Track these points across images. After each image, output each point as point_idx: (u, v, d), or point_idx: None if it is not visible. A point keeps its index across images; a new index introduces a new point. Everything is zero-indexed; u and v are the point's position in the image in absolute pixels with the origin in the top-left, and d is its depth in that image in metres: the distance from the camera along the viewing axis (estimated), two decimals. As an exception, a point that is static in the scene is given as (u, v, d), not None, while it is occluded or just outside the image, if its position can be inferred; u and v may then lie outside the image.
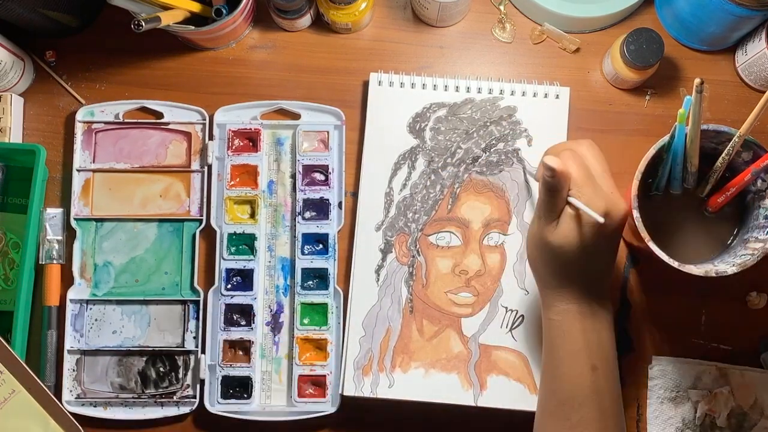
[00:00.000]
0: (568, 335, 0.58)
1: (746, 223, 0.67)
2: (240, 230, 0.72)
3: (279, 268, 0.73)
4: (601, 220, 0.54)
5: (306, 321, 0.71)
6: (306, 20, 0.75)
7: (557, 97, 0.73)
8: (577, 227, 0.56)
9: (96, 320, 0.72)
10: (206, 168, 0.74)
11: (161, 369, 0.71)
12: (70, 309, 0.72)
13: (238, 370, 0.70)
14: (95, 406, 0.71)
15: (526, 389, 0.69)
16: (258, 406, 0.70)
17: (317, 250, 0.72)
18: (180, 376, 0.71)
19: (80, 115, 0.74)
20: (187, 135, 0.75)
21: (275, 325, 0.72)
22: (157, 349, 0.71)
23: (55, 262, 0.72)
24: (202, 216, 0.73)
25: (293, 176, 0.74)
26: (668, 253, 0.62)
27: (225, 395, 0.70)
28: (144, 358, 0.72)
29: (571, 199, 0.56)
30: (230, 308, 0.71)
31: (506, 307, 0.70)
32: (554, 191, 0.56)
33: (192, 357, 0.71)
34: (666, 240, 0.67)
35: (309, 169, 0.73)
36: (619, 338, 0.71)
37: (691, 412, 0.70)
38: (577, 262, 0.57)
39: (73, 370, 0.71)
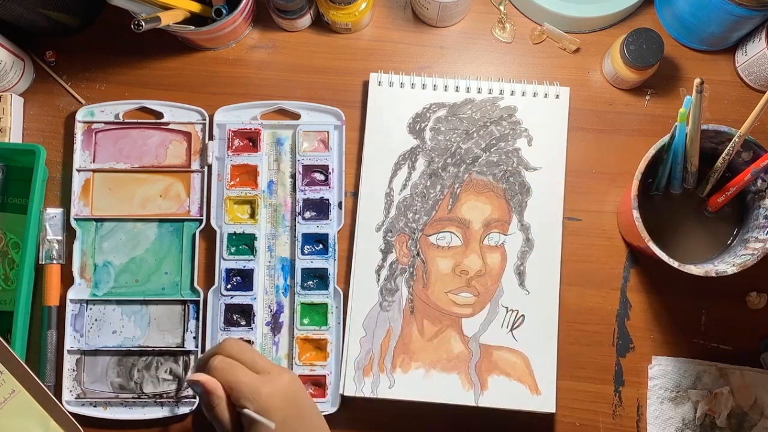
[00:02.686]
0: None
1: (746, 223, 0.67)
2: (240, 230, 0.72)
3: (279, 268, 0.73)
4: (272, 424, 0.53)
5: (306, 321, 0.71)
6: (306, 20, 0.75)
7: (557, 97, 0.73)
8: (254, 422, 0.54)
9: (96, 320, 0.72)
10: (206, 168, 0.74)
11: (161, 369, 0.71)
12: (70, 309, 0.72)
13: (238, 370, 0.70)
14: (95, 406, 0.71)
15: (527, 389, 0.69)
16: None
17: (317, 250, 0.72)
18: (180, 376, 0.71)
19: (80, 115, 0.74)
20: (187, 135, 0.75)
21: (275, 325, 0.72)
22: (157, 349, 0.71)
23: (55, 262, 0.72)
24: (202, 216, 0.73)
25: (293, 176, 0.74)
26: (668, 253, 0.62)
27: (225, 395, 0.70)
28: (144, 358, 0.72)
29: (245, 412, 0.54)
30: (230, 308, 0.71)
31: (507, 307, 0.70)
32: (214, 406, 0.55)
33: (192, 357, 0.71)
34: (666, 240, 0.67)
35: (309, 169, 0.73)
36: (619, 338, 0.72)
37: (691, 412, 0.70)
38: None
39: (73, 370, 0.71)
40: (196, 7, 0.70)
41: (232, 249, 0.72)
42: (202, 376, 0.55)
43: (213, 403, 0.55)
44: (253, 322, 0.71)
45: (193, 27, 0.70)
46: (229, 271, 0.72)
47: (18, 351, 0.67)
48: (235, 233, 0.72)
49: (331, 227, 0.72)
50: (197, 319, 0.71)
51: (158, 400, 0.70)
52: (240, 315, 0.71)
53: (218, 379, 0.56)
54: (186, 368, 0.71)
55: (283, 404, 0.55)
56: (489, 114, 0.73)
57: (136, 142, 0.74)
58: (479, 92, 0.74)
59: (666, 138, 0.64)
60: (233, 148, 0.73)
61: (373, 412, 0.71)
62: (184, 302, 0.72)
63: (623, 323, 0.72)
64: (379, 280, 0.71)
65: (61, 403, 0.68)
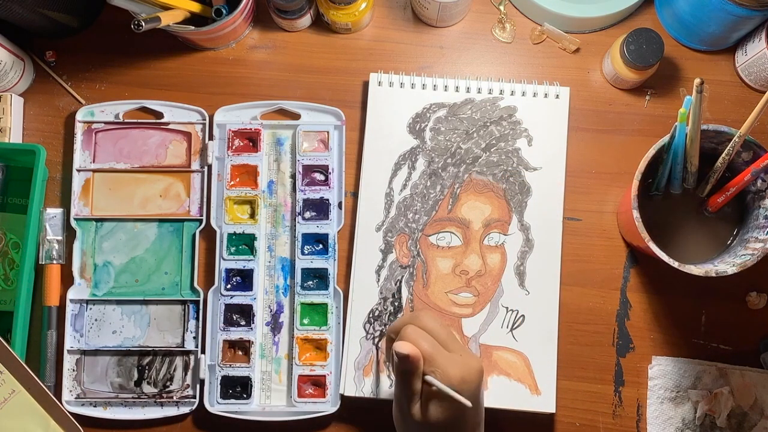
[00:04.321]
0: None
1: (746, 223, 0.67)
2: (240, 230, 0.72)
3: (279, 268, 0.73)
4: (468, 404, 0.54)
5: (306, 321, 0.71)
6: (306, 20, 0.75)
7: (557, 97, 0.73)
8: (441, 403, 0.56)
9: (96, 320, 0.72)
10: (206, 168, 0.74)
11: (161, 369, 0.71)
12: (70, 309, 0.72)
13: (237, 370, 0.70)
14: (95, 406, 0.71)
15: (527, 389, 0.69)
16: (258, 406, 0.70)
17: (317, 250, 0.72)
18: (180, 376, 0.71)
19: (80, 115, 0.74)
20: (187, 135, 0.75)
21: (275, 325, 0.72)
22: (157, 349, 0.71)
23: (55, 262, 0.72)
24: (202, 216, 0.73)
25: (293, 176, 0.74)
26: (668, 253, 0.62)
27: (225, 395, 0.70)
28: (144, 358, 0.72)
29: (430, 379, 0.56)
30: (230, 308, 0.71)
31: (507, 308, 0.70)
32: (410, 375, 0.56)
33: (192, 357, 0.71)
34: (666, 240, 0.67)
35: (309, 169, 0.73)
36: (619, 338, 0.72)
37: (691, 412, 0.70)
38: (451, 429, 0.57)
39: (73, 370, 0.71)
40: (196, 7, 0.70)
41: (232, 249, 0.72)
42: (410, 349, 0.55)
43: (412, 371, 0.56)
44: (253, 322, 0.71)
45: (193, 27, 0.70)
46: (229, 271, 0.72)
47: (18, 351, 0.67)
48: (235, 233, 0.72)
49: (331, 227, 0.72)
50: (197, 319, 0.71)
51: (158, 400, 0.70)
52: (240, 315, 0.71)
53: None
54: (186, 368, 0.71)
55: (467, 391, 0.56)
56: (489, 114, 0.73)
57: (136, 142, 0.74)
58: (479, 92, 0.74)
59: (666, 138, 0.64)
60: (233, 148, 0.73)
61: (373, 412, 0.71)
62: (184, 302, 0.72)
63: (623, 323, 0.72)
64: (379, 280, 0.71)
65: (61, 403, 0.68)
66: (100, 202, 0.74)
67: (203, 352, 0.71)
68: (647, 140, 0.71)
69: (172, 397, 0.70)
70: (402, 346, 0.56)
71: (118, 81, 0.76)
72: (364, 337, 0.70)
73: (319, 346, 0.71)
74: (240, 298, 0.71)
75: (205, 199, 0.73)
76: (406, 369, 0.56)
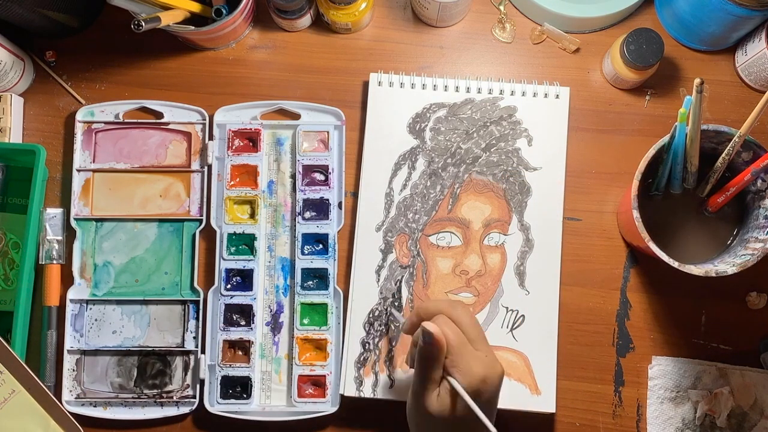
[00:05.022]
0: None
1: (746, 223, 0.67)
2: (240, 230, 0.72)
3: (279, 268, 0.73)
4: (487, 422, 0.54)
5: (306, 321, 0.71)
6: (306, 20, 0.75)
7: (557, 97, 0.73)
8: (458, 399, 0.55)
9: (96, 320, 0.72)
10: (206, 168, 0.74)
11: (161, 369, 0.71)
12: (70, 309, 0.72)
13: (237, 370, 0.70)
14: (95, 406, 0.71)
15: (527, 389, 0.69)
16: (258, 406, 0.70)
17: (317, 250, 0.72)
18: (180, 376, 0.71)
19: (80, 115, 0.74)
20: (187, 135, 0.75)
21: (275, 325, 0.72)
22: (157, 349, 0.71)
23: (55, 262, 0.72)
24: (202, 216, 0.73)
25: (293, 176, 0.74)
26: (668, 253, 0.62)
27: (225, 395, 0.70)
28: (144, 358, 0.72)
29: (452, 381, 0.55)
30: (230, 308, 0.71)
31: (507, 308, 0.70)
32: (432, 360, 0.55)
33: (192, 357, 0.71)
34: (666, 240, 0.67)
35: (309, 169, 0.73)
36: (619, 338, 0.72)
37: (691, 412, 0.70)
38: (461, 429, 0.56)
39: (73, 370, 0.71)
40: (196, 7, 0.70)
41: (232, 249, 0.72)
42: (436, 330, 0.55)
43: (435, 356, 0.55)
44: (253, 322, 0.71)
45: (193, 27, 0.70)
46: (229, 271, 0.72)
47: (18, 351, 0.67)
48: (235, 233, 0.72)
49: (331, 227, 0.72)
50: (197, 319, 0.71)
51: (158, 400, 0.70)
52: (240, 315, 0.71)
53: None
54: (186, 368, 0.71)
55: (487, 392, 0.56)
56: (489, 114, 0.73)
57: (136, 142, 0.74)
58: (479, 92, 0.74)
59: (666, 138, 0.64)
60: (233, 148, 0.73)
61: (373, 412, 0.71)
62: (184, 302, 0.72)
63: (623, 323, 0.72)
64: (379, 280, 0.71)
65: (61, 403, 0.68)
66: (100, 202, 0.74)
67: (203, 352, 0.71)
68: (647, 140, 0.71)
69: (172, 397, 0.70)
70: (430, 325, 0.55)
71: (118, 81, 0.76)
72: (364, 337, 0.70)
73: (319, 346, 0.71)
74: (240, 298, 0.71)
75: (205, 199, 0.73)
76: (428, 353, 0.55)
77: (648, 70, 0.71)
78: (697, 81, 0.58)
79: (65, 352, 0.71)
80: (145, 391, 0.71)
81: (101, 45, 0.77)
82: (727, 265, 0.62)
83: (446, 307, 0.59)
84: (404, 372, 0.70)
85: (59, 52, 0.76)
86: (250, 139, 0.74)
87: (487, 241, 0.71)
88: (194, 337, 0.71)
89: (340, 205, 0.73)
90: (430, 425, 0.57)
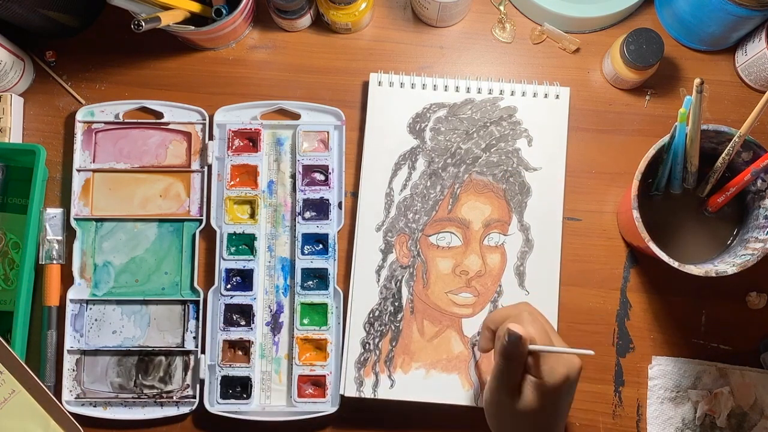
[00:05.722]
0: None
1: (746, 223, 0.67)
2: (240, 230, 0.72)
3: (279, 268, 0.73)
4: (591, 352, 0.55)
5: (306, 321, 0.71)
6: (306, 20, 0.75)
7: (557, 97, 0.73)
8: (541, 394, 0.56)
9: (96, 320, 0.72)
10: (206, 168, 0.74)
11: (161, 369, 0.71)
12: (70, 309, 0.72)
13: (237, 370, 0.70)
14: (95, 406, 0.71)
15: (526, 389, 0.69)
16: (257, 406, 0.70)
17: (317, 250, 0.72)
18: (180, 376, 0.71)
19: (80, 115, 0.74)
20: (187, 135, 0.75)
21: (275, 325, 0.72)
22: (156, 349, 0.71)
23: (55, 262, 0.72)
24: (202, 216, 0.73)
25: (293, 176, 0.74)
26: (668, 253, 0.62)
27: (224, 395, 0.70)
28: (144, 358, 0.72)
29: (538, 347, 0.56)
30: (230, 308, 0.71)
31: (506, 307, 0.70)
32: (515, 359, 0.56)
33: (192, 357, 0.71)
34: (666, 240, 0.67)
35: (309, 169, 0.73)
36: (619, 338, 0.72)
37: (691, 412, 0.70)
38: (545, 425, 0.58)
39: (73, 370, 0.71)
40: (196, 7, 0.70)
41: (232, 249, 0.72)
42: (521, 329, 0.56)
43: (522, 353, 0.56)
44: (253, 322, 0.71)
45: (193, 27, 0.70)
46: (229, 271, 0.72)
47: (18, 351, 0.67)
48: (235, 233, 0.72)
49: (331, 227, 0.72)
50: (197, 319, 0.71)
51: (158, 400, 0.70)
52: (240, 315, 0.71)
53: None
54: (186, 368, 0.71)
55: (570, 389, 0.57)
56: (489, 114, 0.73)
57: (136, 142, 0.74)
58: (479, 92, 0.74)
59: (666, 138, 0.64)
60: (233, 148, 0.73)
61: (373, 412, 0.71)
62: (184, 302, 0.72)
63: (623, 323, 0.72)
64: (379, 280, 0.71)
65: (61, 403, 0.68)
66: (100, 202, 0.74)
67: (203, 352, 0.71)
68: (647, 140, 0.71)
69: (172, 397, 0.70)
70: (514, 325, 0.56)
71: (118, 81, 0.76)
72: (364, 337, 0.70)
73: (319, 346, 0.71)
74: (240, 298, 0.71)
75: (205, 199, 0.73)
76: (512, 352, 0.56)
77: (648, 70, 0.71)
78: (697, 81, 0.58)
79: (65, 352, 0.71)
80: (145, 391, 0.71)
81: (101, 45, 0.77)
82: (727, 265, 0.62)
83: (512, 311, 0.61)
84: (405, 372, 0.70)
85: (59, 52, 0.76)
86: (250, 139, 0.74)
87: (487, 241, 0.71)
88: (194, 337, 0.71)
89: (340, 205, 0.73)
90: (516, 421, 0.58)
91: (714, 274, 0.61)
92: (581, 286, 0.72)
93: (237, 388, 0.70)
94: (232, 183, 0.73)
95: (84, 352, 0.72)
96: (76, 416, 0.68)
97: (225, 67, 0.76)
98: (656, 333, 0.72)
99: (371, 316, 0.71)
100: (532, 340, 0.57)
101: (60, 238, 0.72)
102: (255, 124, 0.74)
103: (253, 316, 0.71)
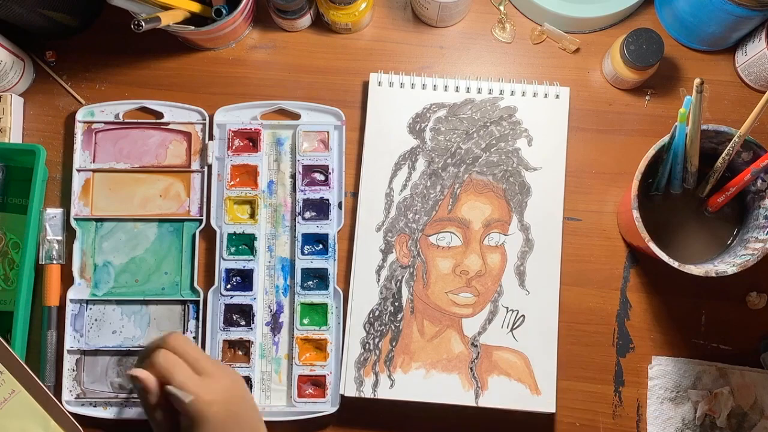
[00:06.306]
0: None
1: (746, 223, 0.67)
2: (240, 230, 0.72)
3: (279, 268, 0.73)
4: (189, 398, 0.54)
5: (306, 321, 0.71)
6: (306, 20, 0.75)
7: (557, 97, 0.73)
8: (202, 427, 0.55)
9: (96, 320, 0.72)
10: (206, 168, 0.74)
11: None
12: (70, 309, 0.72)
13: (237, 370, 0.70)
14: (95, 406, 0.71)
15: (527, 389, 0.69)
16: (257, 406, 0.70)
17: (317, 250, 0.72)
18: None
19: (80, 115, 0.74)
20: (187, 135, 0.75)
21: (275, 325, 0.72)
22: (157, 349, 0.71)
23: (55, 262, 0.72)
24: (202, 216, 0.73)
25: (293, 176, 0.74)
26: (668, 253, 0.62)
27: (225, 395, 0.70)
28: (144, 358, 0.72)
29: (170, 389, 0.55)
30: (230, 308, 0.71)
31: (507, 308, 0.70)
32: (148, 404, 0.56)
33: (192, 357, 0.71)
34: (666, 240, 0.67)
35: (309, 169, 0.73)
36: (619, 338, 0.72)
37: (691, 412, 0.70)
38: None
39: (73, 370, 0.71)
40: (196, 7, 0.70)
41: (232, 249, 0.72)
42: (141, 372, 0.56)
43: (149, 401, 0.56)
44: (253, 322, 0.71)
45: (193, 27, 0.70)
46: (228, 271, 0.72)
47: (18, 351, 0.67)
48: (235, 233, 0.72)
49: (331, 227, 0.72)
50: (197, 319, 0.71)
51: (158, 400, 0.70)
52: (240, 315, 0.71)
53: (158, 375, 0.56)
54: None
55: (221, 413, 0.56)
56: (489, 114, 0.73)
57: (136, 142, 0.74)
58: (479, 92, 0.74)
59: (666, 138, 0.64)
60: (233, 148, 0.73)
61: (373, 412, 0.71)
62: (183, 302, 0.72)
63: (623, 323, 0.72)
64: (379, 280, 0.71)
65: (60, 403, 0.68)
66: (100, 202, 0.74)
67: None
68: (647, 140, 0.71)
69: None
70: (133, 370, 0.56)
71: (118, 81, 0.76)
72: (364, 337, 0.70)
73: (319, 346, 0.71)
74: (240, 298, 0.71)
75: (205, 199, 0.73)
76: (140, 395, 0.57)
77: (648, 70, 0.71)
78: (697, 81, 0.58)
79: (65, 352, 0.71)
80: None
81: (101, 45, 0.77)
82: (727, 265, 0.62)
83: (156, 343, 0.59)
84: (405, 372, 0.70)
85: (59, 52, 0.76)
86: (250, 139, 0.74)
87: (487, 241, 0.71)
88: (194, 337, 0.71)
89: (340, 205, 0.73)
90: None
91: (714, 274, 0.61)
92: (581, 286, 0.72)
93: (237, 388, 0.70)
94: (232, 183, 0.73)
95: (84, 352, 0.72)
96: (76, 416, 0.68)
97: (225, 67, 0.76)
98: (656, 333, 0.72)
99: (371, 316, 0.71)
100: (170, 378, 0.56)
101: (60, 238, 0.72)
102: (255, 124, 0.74)
103: (253, 316, 0.71)
